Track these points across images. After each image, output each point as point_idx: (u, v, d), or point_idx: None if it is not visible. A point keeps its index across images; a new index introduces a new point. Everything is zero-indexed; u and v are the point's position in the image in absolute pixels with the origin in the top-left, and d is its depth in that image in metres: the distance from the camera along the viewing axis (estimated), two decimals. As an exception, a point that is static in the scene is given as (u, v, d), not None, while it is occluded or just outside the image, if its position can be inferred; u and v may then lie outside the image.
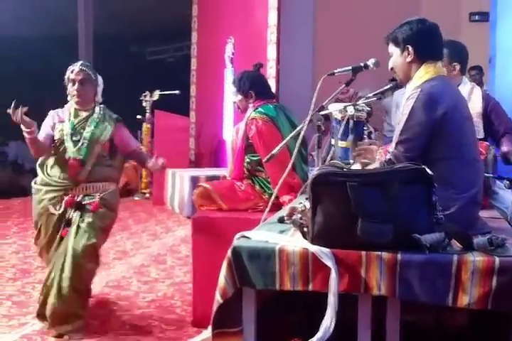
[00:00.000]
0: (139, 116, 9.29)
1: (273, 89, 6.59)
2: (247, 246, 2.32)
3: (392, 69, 2.74)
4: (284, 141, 3.18)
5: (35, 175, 4.01)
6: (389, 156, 2.57)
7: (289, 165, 3.06)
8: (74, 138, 3.87)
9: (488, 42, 7.80)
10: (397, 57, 2.68)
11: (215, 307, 2.34)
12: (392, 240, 2.15)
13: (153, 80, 10.42)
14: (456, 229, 2.25)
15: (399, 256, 2.14)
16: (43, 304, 3.69)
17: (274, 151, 3.12)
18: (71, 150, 3.85)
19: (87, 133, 3.89)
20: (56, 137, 3.92)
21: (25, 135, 3.73)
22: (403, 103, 2.60)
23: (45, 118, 4.00)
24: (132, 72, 14.51)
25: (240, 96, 4.00)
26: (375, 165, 2.69)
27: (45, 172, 3.91)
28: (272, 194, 3.77)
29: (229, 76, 8.35)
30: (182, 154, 9.19)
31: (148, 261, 5.36)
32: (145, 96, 9.30)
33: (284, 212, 2.80)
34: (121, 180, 9.57)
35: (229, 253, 2.32)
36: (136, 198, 9.24)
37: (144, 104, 9.29)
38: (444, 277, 2.11)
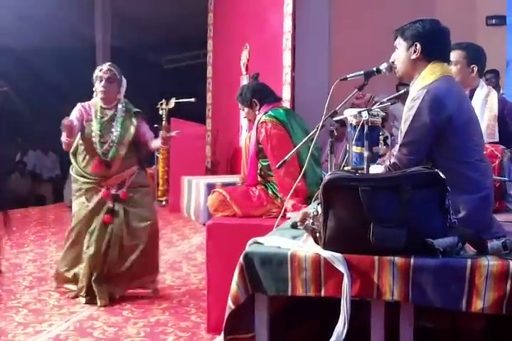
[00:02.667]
0: (155, 125, 9.33)
1: (288, 95, 6.62)
2: (259, 251, 2.31)
3: (393, 62, 2.72)
4: (297, 147, 3.16)
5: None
6: (393, 160, 2.54)
7: (302, 171, 3.05)
8: (102, 140, 4.30)
9: (505, 46, 7.75)
10: (402, 51, 2.64)
11: (227, 314, 2.32)
12: (405, 245, 2.12)
13: (170, 88, 10.48)
14: (470, 233, 2.22)
15: (412, 260, 2.11)
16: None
17: (286, 157, 3.10)
18: (99, 151, 4.29)
19: (114, 135, 4.31)
20: (84, 135, 4.34)
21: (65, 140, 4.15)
22: (407, 104, 2.57)
23: (74, 111, 4.37)
24: (149, 80, 14.61)
25: (246, 109, 4.06)
26: (380, 169, 2.66)
27: (79, 164, 4.37)
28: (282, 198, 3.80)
29: (245, 83, 8.37)
30: (198, 162, 9.20)
31: (164, 268, 5.34)
32: (161, 104, 9.36)
33: (297, 217, 2.79)
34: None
35: (241, 259, 2.31)
36: (153, 206, 9.25)
37: (160, 112, 9.34)
38: (457, 282, 2.07)
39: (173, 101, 9.28)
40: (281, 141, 3.77)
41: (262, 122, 3.87)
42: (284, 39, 6.79)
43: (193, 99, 9.13)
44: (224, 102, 9.46)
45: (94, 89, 4.40)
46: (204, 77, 10.59)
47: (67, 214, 8.60)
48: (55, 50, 14.68)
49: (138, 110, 4.46)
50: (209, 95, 10.29)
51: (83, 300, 4.29)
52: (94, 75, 4.35)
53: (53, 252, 6.06)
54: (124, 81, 4.43)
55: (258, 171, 3.94)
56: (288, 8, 6.76)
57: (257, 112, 3.99)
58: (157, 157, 9.43)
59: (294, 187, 3.07)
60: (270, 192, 3.88)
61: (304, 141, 3.15)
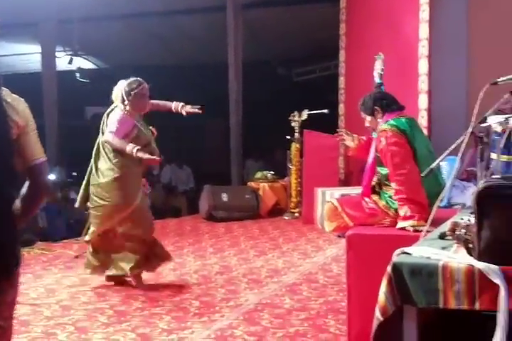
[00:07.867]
0: (288, 136, 9.40)
1: (425, 104, 6.45)
2: (408, 262, 2.23)
3: None
4: (442, 156, 3.05)
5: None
6: None
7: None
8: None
9: None
10: None
11: (375, 325, 2.25)
12: None
13: (301, 100, 10.52)
14: None
15: None
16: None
17: (432, 165, 3.01)
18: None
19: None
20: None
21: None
22: None
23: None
24: (280, 93, 14.78)
25: (368, 117, 4.01)
26: None
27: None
28: (396, 209, 3.71)
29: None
30: (331, 173, 9.12)
31: (300, 280, 5.34)
32: (293, 116, 9.39)
33: (444, 227, 2.68)
34: (271, 200, 9.69)
35: (389, 269, 2.24)
36: (286, 217, 9.31)
37: (292, 124, 9.37)
38: None
39: (305, 113, 9.29)
40: (401, 149, 3.72)
41: (382, 131, 3.83)
42: (420, 46, 6.63)
43: (326, 111, 9.10)
44: (357, 113, 9.34)
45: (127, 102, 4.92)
46: (335, 88, 10.54)
47: (203, 226, 8.85)
48: (186, 68, 15.20)
49: None
50: (341, 106, 10.22)
51: None
52: (134, 92, 4.92)
53: (191, 262, 6.21)
54: None
55: (375, 180, 3.92)
56: (424, 14, 6.60)
57: (379, 120, 3.93)
58: (290, 168, 9.47)
59: (435, 208, 2.93)
60: (383, 202, 3.84)
61: (449, 149, 3.03)
